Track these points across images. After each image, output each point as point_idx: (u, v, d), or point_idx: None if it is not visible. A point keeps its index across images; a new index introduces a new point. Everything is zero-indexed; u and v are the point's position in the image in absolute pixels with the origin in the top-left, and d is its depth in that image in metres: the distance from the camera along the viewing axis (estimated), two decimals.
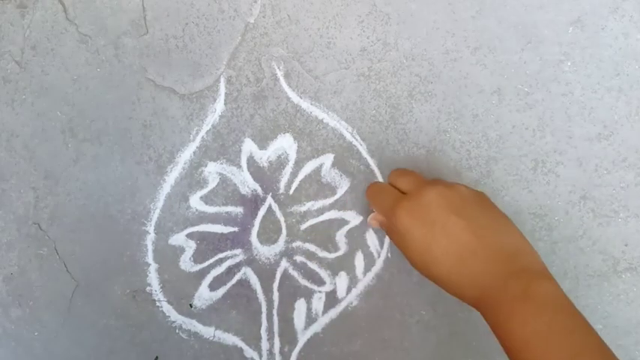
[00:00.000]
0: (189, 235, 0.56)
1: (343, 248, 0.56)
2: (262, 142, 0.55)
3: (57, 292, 0.57)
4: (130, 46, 0.54)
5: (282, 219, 0.56)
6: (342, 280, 0.56)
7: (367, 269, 0.56)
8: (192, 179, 0.55)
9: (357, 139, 0.54)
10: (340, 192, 0.55)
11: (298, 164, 0.55)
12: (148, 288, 0.56)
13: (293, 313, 0.56)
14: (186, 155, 0.55)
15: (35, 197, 0.55)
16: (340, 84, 0.54)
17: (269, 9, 0.53)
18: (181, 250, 0.56)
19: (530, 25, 0.52)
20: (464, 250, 0.35)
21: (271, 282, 0.56)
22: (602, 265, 0.55)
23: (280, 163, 0.55)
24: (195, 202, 0.55)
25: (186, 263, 0.56)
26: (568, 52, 0.52)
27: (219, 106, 0.54)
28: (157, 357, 0.57)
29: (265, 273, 0.56)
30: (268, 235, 0.56)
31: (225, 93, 0.54)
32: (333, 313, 0.56)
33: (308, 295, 0.56)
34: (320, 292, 0.56)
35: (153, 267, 0.56)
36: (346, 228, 0.55)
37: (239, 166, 0.55)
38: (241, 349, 0.57)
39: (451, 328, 0.56)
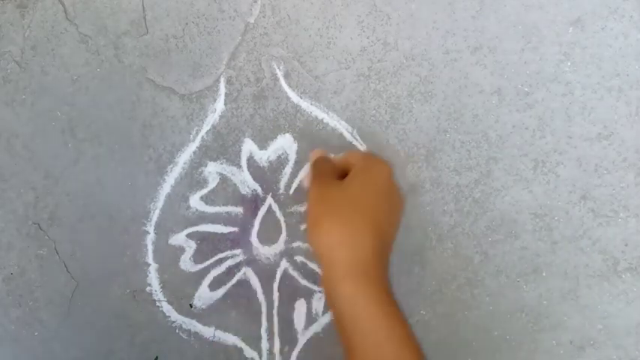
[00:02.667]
0: (189, 235, 0.56)
1: None
2: (262, 142, 0.55)
3: (57, 292, 0.57)
4: (130, 46, 0.54)
5: (282, 219, 0.56)
6: None
7: None
8: (192, 179, 0.55)
9: (357, 139, 0.54)
10: None
11: (298, 164, 0.55)
12: (148, 288, 0.56)
13: (293, 313, 0.56)
14: (186, 155, 0.55)
15: (35, 197, 0.55)
16: (340, 84, 0.54)
17: (269, 9, 0.53)
18: (181, 250, 0.56)
19: (530, 25, 0.52)
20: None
21: (271, 282, 0.56)
22: (602, 265, 0.55)
23: (280, 163, 0.55)
24: (195, 202, 0.55)
25: (186, 263, 0.56)
26: (568, 52, 0.52)
27: (219, 106, 0.54)
28: (157, 357, 0.57)
29: (265, 273, 0.56)
30: (268, 235, 0.56)
31: (225, 93, 0.54)
32: None
33: (308, 295, 0.56)
34: (320, 292, 0.56)
35: (153, 267, 0.56)
36: None
37: (239, 166, 0.55)
38: (241, 349, 0.57)
39: (451, 328, 0.56)
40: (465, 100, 0.53)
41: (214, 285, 0.56)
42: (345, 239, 0.39)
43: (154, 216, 0.55)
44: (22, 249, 0.56)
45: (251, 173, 0.55)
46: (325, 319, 0.56)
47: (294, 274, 0.56)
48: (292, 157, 0.55)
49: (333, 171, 0.46)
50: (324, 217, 0.41)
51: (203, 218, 0.55)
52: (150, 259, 0.56)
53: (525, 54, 0.53)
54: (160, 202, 0.55)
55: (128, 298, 0.56)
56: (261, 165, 0.55)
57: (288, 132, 0.54)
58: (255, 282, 0.56)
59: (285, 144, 0.54)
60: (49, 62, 0.54)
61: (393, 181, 0.45)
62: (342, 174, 0.46)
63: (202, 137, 0.54)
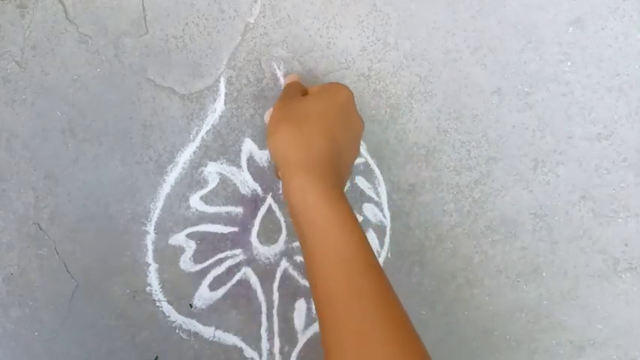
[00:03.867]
0: (189, 235, 0.56)
1: None
2: (262, 142, 0.55)
3: (57, 292, 0.57)
4: (130, 46, 0.54)
5: (282, 219, 0.56)
6: None
7: None
8: (192, 179, 0.55)
9: None
10: None
11: None
12: (148, 288, 0.56)
13: (293, 313, 0.56)
14: (186, 155, 0.55)
15: (35, 197, 0.55)
16: None
17: (269, 9, 0.53)
18: (181, 250, 0.56)
19: (530, 25, 0.52)
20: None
21: (271, 282, 0.56)
22: (602, 265, 0.55)
23: None
24: (195, 202, 0.55)
25: (186, 263, 0.56)
26: (568, 52, 0.52)
27: (219, 106, 0.54)
28: (157, 357, 0.57)
29: (265, 273, 0.56)
30: (268, 235, 0.56)
31: (225, 93, 0.54)
32: None
33: (308, 295, 0.56)
34: None
35: (153, 267, 0.56)
36: None
37: (239, 166, 0.55)
38: (241, 349, 0.57)
39: (450, 327, 0.56)
40: (464, 100, 0.53)
41: (214, 285, 0.56)
42: (298, 141, 0.42)
43: (154, 216, 0.55)
44: (22, 249, 0.56)
45: (251, 173, 0.55)
46: None
47: (294, 274, 0.56)
48: None
49: (300, 91, 0.49)
50: (282, 123, 0.43)
51: (203, 218, 0.55)
52: (150, 259, 0.56)
53: (525, 54, 0.53)
54: (160, 202, 0.55)
55: (128, 298, 0.56)
56: (261, 165, 0.55)
57: None
58: (255, 282, 0.56)
59: None
60: (49, 62, 0.54)
61: (352, 104, 0.47)
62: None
63: (202, 137, 0.54)
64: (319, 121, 0.43)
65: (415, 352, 0.38)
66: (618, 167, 0.53)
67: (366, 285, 0.39)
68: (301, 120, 0.43)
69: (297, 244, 0.56)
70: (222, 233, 0.56)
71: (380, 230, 0.55)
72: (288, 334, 0.56)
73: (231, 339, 0.57)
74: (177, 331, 0.57)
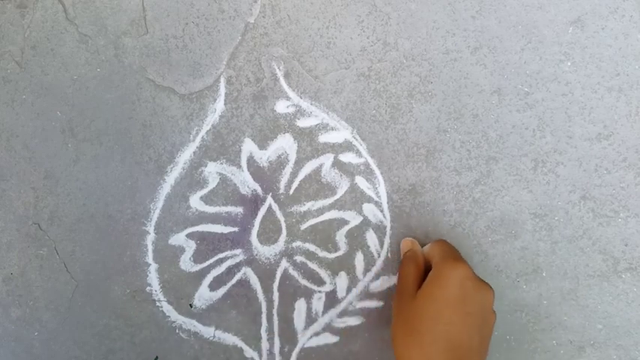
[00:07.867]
0: (189, 235, 0.56)
1: (343, 248, 0.56)
2: (262, 142, 0.55)
3: (57, 292, 0.57)
4: (130, 46, 0.54)
5: (282, 219, 0.56)
6: (342, 280, 0.56)
7: (367, 269, 0.56)
8: (192, 179, 0.55)
9: (357, 139, 0.54)
10: (340, 192, 0.55)
11: (298, 164, 0.55)
12: (148, 288, 0.56)
13: (293, 313, 0.56)
14: (186, 155, 0.55)
15: (35, 197, 0.55)
16: (340, 84, 0.54)
17: (269, 9, 0.53)
18: (181, 250, 0.56)
19: (530, 25, 0.52)
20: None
21: (271, 282, 0.56)
22: (602, 265, 0.55)
23: (280, 163, 0.55)
24: (195, 202, 0.55)
25: (186, 263, 0.56)
26: (568, 52, 0.52)
27: (219, 106, 0.54)
28: (156, 357, 0.57)
29: (265, 273, 0.56)
30: (268, 235, 0.56)
31: (225, 93, 0.54)
32: (333, 313, 0.56)
33: (308, 295, 0.56)
34: (320, 292, 0.56)
35: (153, 267, 0.56)
36: (346, 228, 0.55)
37: (239, 166, 0.55)
38: (241, 349, 0.57)
39: None
40: (465, 100, 0.53)
41: (214, 285, 0.56)
42: (417, 356, 0.42)
43: (154, 216, 0.55)
44: (22, 249, 0.56)
45: (251, 173, 0.55)
46: (325, 319, 0.56)
47: (294, 274, 0.56)
48: (292, 157, 0.55)
49: (415, 278, 0.48)
50: (399, 335, 0.45)
51: (203, 218, 0.55)
52: (150, 259, 0.56)
53: (525, 54, 0.53)
54: (160, 202, 0.55)
55: (128, 298, 0.56)
56: (261, 165, 0.55)
57: (288, 132, 0.54)
58: (255, 282, 0.56)
59: (286, 144, 0.55)
60: (49, 62, 0.54)
61: (468, 285, 0.44)
62: (429, 268, 0.49)
63: (202, 137, 0.54)
64: (433, 330, 0.42)
65: None
66: (618, 167, 0.53)
67: None
68: (416, 332, 0.43)
69: (297, 244, 0.56)
70: (222, 233, 0.56)
71: (380, 230, 0.55)
72: (288, 334, 0.56)
73: (231, 339, 0.57)
74: (177, 331, 0.57)
